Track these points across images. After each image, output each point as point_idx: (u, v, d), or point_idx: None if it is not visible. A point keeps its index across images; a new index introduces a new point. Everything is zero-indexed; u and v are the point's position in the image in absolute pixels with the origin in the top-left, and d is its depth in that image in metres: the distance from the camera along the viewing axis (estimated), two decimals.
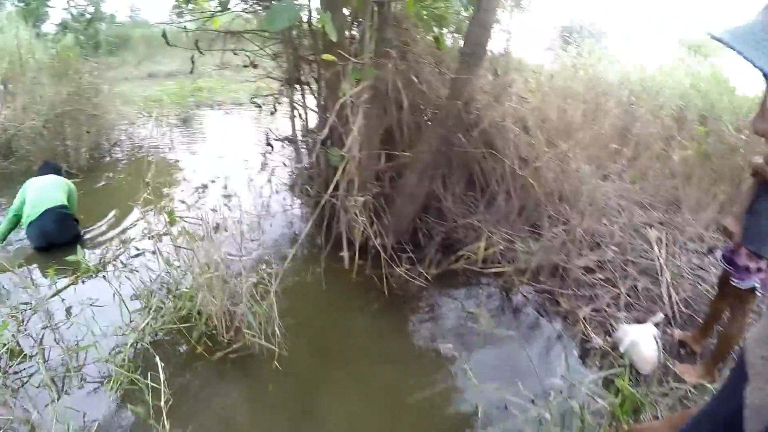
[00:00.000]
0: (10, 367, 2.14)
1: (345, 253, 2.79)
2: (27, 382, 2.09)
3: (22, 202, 3.23)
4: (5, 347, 2.16)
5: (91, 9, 14.27)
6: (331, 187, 2.34)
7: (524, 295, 2.86)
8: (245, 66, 3.42)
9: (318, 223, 3.08)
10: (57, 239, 3.17)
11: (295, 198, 4.14)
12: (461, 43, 3.13)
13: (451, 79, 3.03)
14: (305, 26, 3.27)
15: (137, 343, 2.20)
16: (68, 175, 3.99)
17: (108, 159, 5.32)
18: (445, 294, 2.87)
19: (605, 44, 9.87)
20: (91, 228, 3.57)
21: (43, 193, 3.23)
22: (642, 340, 2.16)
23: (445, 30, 3.78)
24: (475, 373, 2.04)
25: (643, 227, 3.36)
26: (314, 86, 3.61)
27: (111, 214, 3.78)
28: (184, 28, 3.52)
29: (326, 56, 2.48)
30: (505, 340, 2.46)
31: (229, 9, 3.36)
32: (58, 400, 1.96)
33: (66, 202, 3.30)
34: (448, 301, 2.82)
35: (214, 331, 2.29)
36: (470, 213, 3.48)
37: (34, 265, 3.06)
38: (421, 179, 3.17)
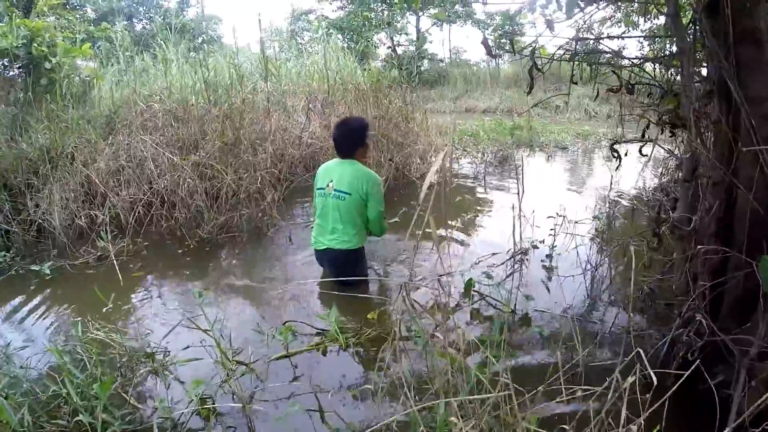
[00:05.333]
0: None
1: None
2: None
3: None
4: (197, 403, 1.67)
5: (412, 48, 16.38)
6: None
7: None
8: (612, 91, 2.09)
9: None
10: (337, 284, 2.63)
11: (638, 311, 2.40)
12: None
13: None
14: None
15: None
16: None
17: (407, 192, 4.79)
18: None
19: None
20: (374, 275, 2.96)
21: (327, 215, 2.61)
22: None
23: None
24: None
25: None
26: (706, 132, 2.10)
27: (393, 266, 3.13)
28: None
29: None
30: None
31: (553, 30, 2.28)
32: None
33: (351, 233, 2.59)
34: None
35: None
36: None
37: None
38: None
